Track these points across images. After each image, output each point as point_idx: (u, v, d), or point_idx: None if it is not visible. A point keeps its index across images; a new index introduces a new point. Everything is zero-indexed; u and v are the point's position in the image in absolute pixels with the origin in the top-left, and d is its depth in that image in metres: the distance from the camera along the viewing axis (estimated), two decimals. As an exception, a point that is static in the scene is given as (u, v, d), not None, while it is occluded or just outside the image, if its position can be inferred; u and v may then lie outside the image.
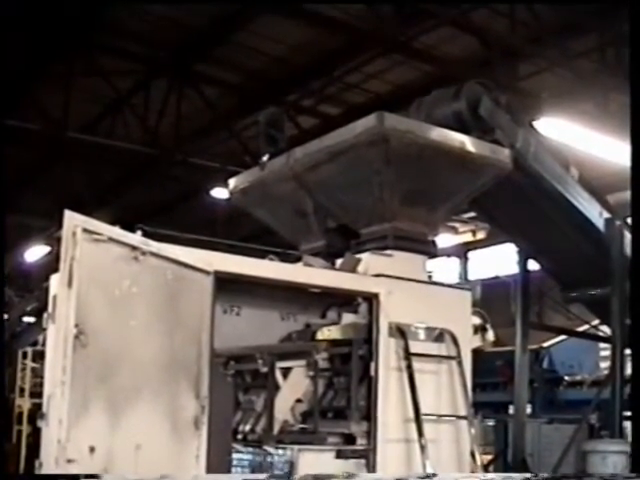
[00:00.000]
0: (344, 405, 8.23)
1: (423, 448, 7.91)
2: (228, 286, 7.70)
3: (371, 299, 8.13)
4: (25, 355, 17.63)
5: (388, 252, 8.50)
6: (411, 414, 8.05)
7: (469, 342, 8.82)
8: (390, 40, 15.36)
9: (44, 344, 6.22)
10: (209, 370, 7.09)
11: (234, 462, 7.98)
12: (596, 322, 14.56)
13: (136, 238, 6.48)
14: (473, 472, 8.53)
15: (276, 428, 8.17)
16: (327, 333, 8.27)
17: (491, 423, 18.42)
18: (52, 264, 6.20)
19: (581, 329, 16.00)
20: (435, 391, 8.48)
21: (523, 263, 12.55)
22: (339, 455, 7.90)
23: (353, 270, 8.39)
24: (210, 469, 6.99)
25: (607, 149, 17.53)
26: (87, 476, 5.61)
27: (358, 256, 8.53)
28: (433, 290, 8.72)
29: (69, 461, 5.68)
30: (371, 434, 8.02)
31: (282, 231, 10.08)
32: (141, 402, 6.38)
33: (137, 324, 6.41)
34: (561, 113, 15.93)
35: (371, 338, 8.08)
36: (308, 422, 8.23)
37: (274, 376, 8.21)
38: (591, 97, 17.13)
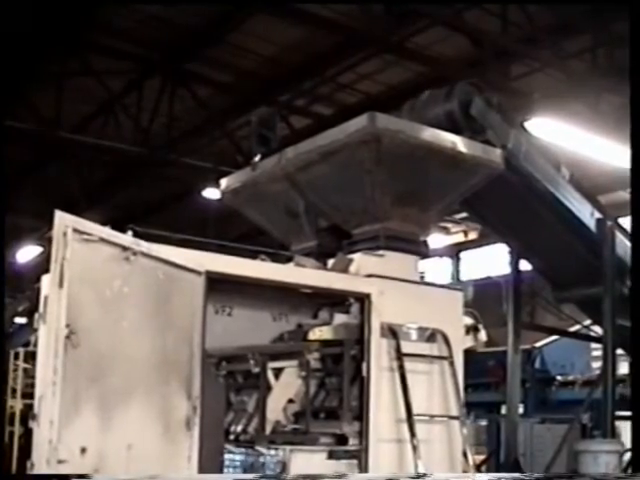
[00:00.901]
0: (336, 405, 8.23)
1: (415, 448, 7.91)
2: (220, 286, 7.69)
3: (363, 299, 8.13)
4: (17, 356, 17.61)
5: (380, 252, 8.49)
6: (403, 414, 8.05)
7: (461, 342, 8.83)
8: (382, 40, 15.38)
9: (36, 345, 6.20)
10: (201, 370, 7.07)
11: (226, 462, 7.98)
12: (588, 322, 14.57)
13: (127, 238, 6.48)
14: (465, 472, 8.55)
15: (268, 428, 8.18)
16: (319, 333, 8.26)
17: (484, 423, 18.47)
18: (43, 264, 6.18)
19: (573, 329, 16.02)
20: (427, 391, 8.49)
21: (515, 263, 12.56)
22: (331, 455, 7.89)
23: (345, 270, 8.39)
24: (202, 470, 6.98)
25: (599, 150, 17.57)
26: (79, 476, 5.62)
27: (350, 256, 8.53)
28: (425, 290, 8.73)
29: (60, 462, 5.67)
30: (363, 434, 8.01)
31: (273, 231, 10.07)
32: (132, 402, 6.37)
33: (128, 324, 6.40)
34: (553, 113, 15.95)
35: (363, 338, 8.08)
36: (300, 422, 8.23)
37: (266, 376, 8.22)
38: (583, 98, 17.17)
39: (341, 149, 8.32)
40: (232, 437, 8.41)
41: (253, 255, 8.45)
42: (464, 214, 17.39)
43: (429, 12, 14.45)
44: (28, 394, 16.48)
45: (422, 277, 9.14)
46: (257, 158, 9.51)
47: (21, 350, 17.36)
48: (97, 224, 6.25)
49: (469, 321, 9.26)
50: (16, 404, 17.26)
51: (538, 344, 17.52)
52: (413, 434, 7.96)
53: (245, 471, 7.95)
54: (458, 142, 8.70)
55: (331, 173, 8.58)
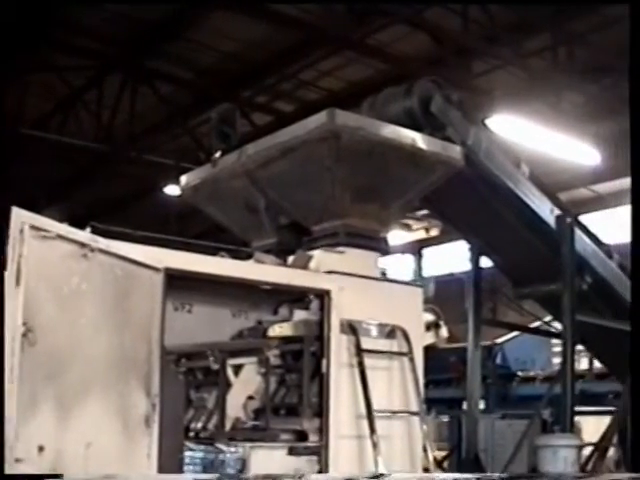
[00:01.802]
0: (296, 402, 8.22)
1: (375, 445, 7.92)
2: (179, 283, 7.65)
3: (323, 296, 8.13)
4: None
5: (340, 249, 8.50)
6: (363, 411, 8.06)
7: (421, 338, 8.85)
8: (344, 38, 15.40)
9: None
10: (160, 368, 7.03)
11: (186, 460, 7.94)
12: (548, 318, 14.66)
13: (85, 235, 6.43)
14: (426, 469, 8.57)
15: (228, 425, 8.18)
16: (278, 330, 8.26)
17: (445, 419, 18.54)
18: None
19: (534, 325, 16.12)
20: (387, 387, 8.50)
21: (475, 260, 12.62)
22: (291, 452, 7.89)
23: (305, 267, 8.39)
24: (162, 467, 6.94)
25: (560, 147, 17.71)
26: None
27: (310, 253, 8.53)
28: (385, 287, 8.73)
29: (17, 460, 5.61)
30: (323, 431, 8.01)
31: (234, 228, 10.05)
32: (91, 400, 6.33)
33: (86, 322, 6.35)
34: (514, 111, 16.05)
35: (323, 335, 8.08)
36: (260, 419, 8.23)
37: (225, 373, 8.21)
38: (543, 96, 17.29)
39: (301, 146, 8.32)
40: (192, 434, 8.38)
41: (214, 252, 8.44)
42: (426, 211, 17.44)
43: (390, 10, 14.49)
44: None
45: (384, 274, 9.12)
46: (217, 155, 9.50)
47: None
48: (57, 221, 6.20)
49: (430, 317, 9.29)
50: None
51: (499, 340, 17.62)
52: (373, 430, 7.97)
53: (205, 468, 7.92)
54: (418, 139, 8.72)
55: (291, 170, 8.57)
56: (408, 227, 27.37)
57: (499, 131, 13.20)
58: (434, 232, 27.38)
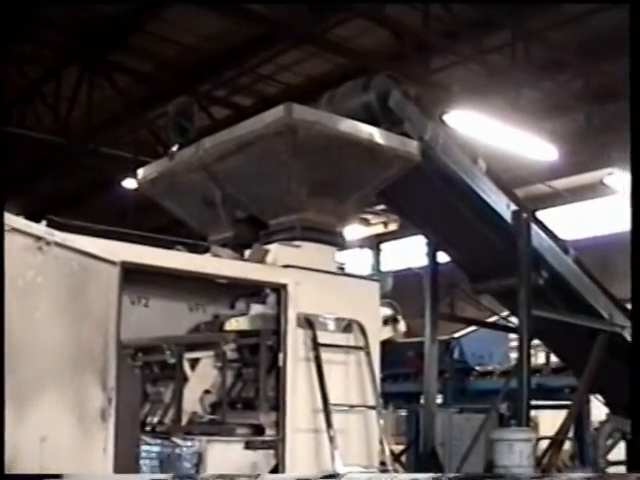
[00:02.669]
0: (253, 396, 8.22)
1: (332, 439, 7.93)
2: (136, 277, 7.62)
3: (279, 290, 8.13)
4: None
5: (296, 243, 8.51)
6: (320, 404, 8.07)
7: (378, 332, 8.87)
8: (304, 32, 15.40)
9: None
10: (116, 362, 6.99)
11: (142, 454, 7.91)
12: (506, 313, 14.76)
13: (40, 228, 6.38)
14: (383, 462, 8.60)
15: (184, 419, 8.13)
16: (235, 324, 8.26)
17: (403, 413, 18.62)
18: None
19: (491, 320, 16.22)
20: (344, 382, 8.51)
21: (432, 254, 12.68)
22: (248, 446, 7.89)
23: (261, 261, 8.38)
24: (118, 461, 6.90)
25: (517, 143, 17.83)
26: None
27: (266, 247, 8.52)
28: (341, 281, 8.75)
29: (-28, 454, 5.58)
30: (280, 425, 8.01)
31: (191, 222, 10.03)
32: (46, 394, 6.27)
33: (42, 315, 6.30)
34: (472, 107, 16.15)
35: (279, 329, 8.08)
36: (217, 413, 8.20)
37: (182, 367, 8.16)
38: (502, 92, 17.41)
39: (258, 140, 8.31)
40: (148, 428, 8.35)
41: (171, 246, 8.42)
42: (384, 206, 17.51)
43: (351, 5, 14.52)
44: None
45: (342, 268, 9.14)
46: (174, 148, 9.47)
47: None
48: (13, 215, 6.16)
49: (388, 312, 9.31)
50: None
51: (457, 335, 17.70)
52: (330, 424, 7.98)
53: (161, 463, 7.90)
54: (375, 133, 8.73)
55: (248, 164, 8.56)
56: (366, 222, 27.51)
57: (457, 127, 13.29)
58: (392, 227, 27.55)
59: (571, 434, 14.53)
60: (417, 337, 13.36)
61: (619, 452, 12.79)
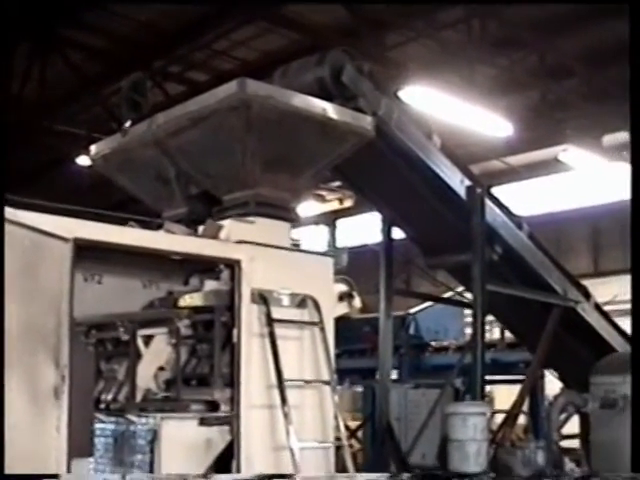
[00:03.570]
0: (207, 372, 8.19)
1: (286, 414, 7.94)
2: (89, 254, 7.56)
3: (233, 266, 8.09)
4: None
5: (250, 219, 8.47)
6: (274, 380, 8.07)
7: (332, 308, 8.87)
8: (258, 7, 15.33)
9: None
10: (69, 339, 6.95)
11: (97, 432, 7.90)
12: (461, 288, 14.85)
13: (-9, 205, 6.33)
14: (338, 438, 8.63)
15: (139, 397, 8.11)
16: (189, 300, 8.20)
17: (359, 389, 18.70)
18: None
19: (446, 295, 16.32)
20: (298, 357, 8.50)
21: (386, 230, 12.68)
22: (202, 422, 7.86)
23: (215, 237, 8.34)
24: (72, 439, 6.88)
25: (472, 119, 17.90)
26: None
27: (220, 223, 8.49)
28: (295, 257, 8.72)
29: None
30: (234, 401, 7.99)
31: (145, 198, 9.96)
32: (-2, 372, 6.25)
33: (-8, 292, 6.26)
34: (427, 83, 16.18)
35: (233, 305, 8.05)
36: (171, 390, 8.18)
37: (136, 344, 8.13)
38: (457, 68, 17.46)
39: (211, 115, 8.25)
40: (102, 406, 8.31)
41: (125, 223, 8.36)
42: (339, 182, 17.53)
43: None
44: None
45: (297, 244, 9.12)
46: (128, 124, 9.40)
47: None
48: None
49: (343, 288, 9.31)
50: None
51: (412, 310, 17.77)
52: (284, 400, 7.98)
53: (116, 440, 7.89)
54: (329, 109, 8.69)
55: (201, 139, 8.51)
56: (322, 198, 27.54)
57: (412, 103, 13.31)
58: (348, 203, 27.60)
59: (526, 408, 14.68)
60: (373, 313, 13.37)
61: (573, 425, 12.92)
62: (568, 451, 11.29)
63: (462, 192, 11.16)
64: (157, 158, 9.08)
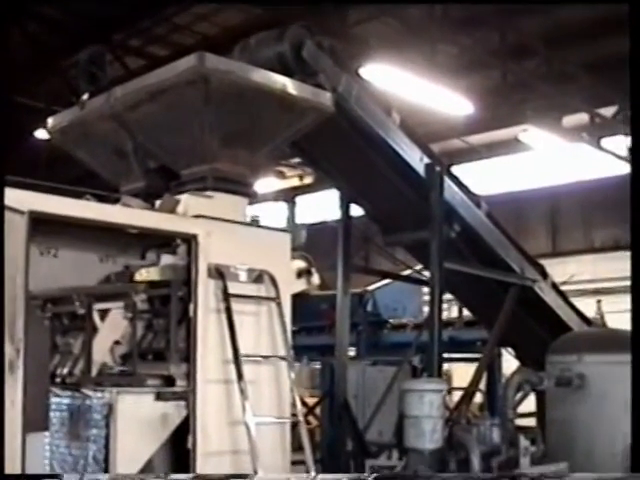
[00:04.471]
0: (163, 347, 8.16)
1: (242, 390, 7.94)
2: (45, 227, 7.51)
3: (190, 240, 8.06)
4: None
5: (208, 193, 8.44)
6: (231, 355, 8.07)
7: (289, 284, 8.87)
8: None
9: None
10: (24, 313, 6.91)
11: (52, 406, 7.86)
12: (419, 266, 14.89)
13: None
14: (294, 414, 8.65)
15: (94, 371, 8.06)
16: (145, 274, 8.17)
17: (318, 366, 18.73)
18: None
19: (405, 273, 16.36)
20: (255, 333, 8.49)
21: (345, 207, 12.67)
22: (158, 397, 7.83)
23: (172, 211, 8.30)
24: (27, 414, 6.85)
25: (433, 98, 17.93)
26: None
27: (177, 197, 8.45)
28: (253, 232, 8.68)
29: None
30: (190, 376, 7.98)
31: (102, 172, 9.89)
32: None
33: (-55, 265, 6.21)
34: (389, 61, 16.17)
35: (190, 279, 8.03)
36: (127, 364, 8.14)
37: (92, 318, 8.07)
38: (419, 47, 17.47)
39: (169, 89, 8.21)
40: (58, 380, 8.26)
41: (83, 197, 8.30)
42: (300, 159, 17.50)
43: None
44: None
45: (256, 220, 9.10)
46: (85, 97, 9.33)
47: None
48: None
49: (302, 264, 9.31)
50: None
51: (370, 288, 17.81)
52: (240, 375, 7.97)
53: (72, 414, 7.85)
54: (288, 84, 8.68)
55: (160, 113, 8.46)
56: (282, 175, 27.50)
57: (374, 80, 13.30)
58: (308, 180, 27.61)
59: (483, 386, 14.79)
60: (331, 290, 13.39)
61: (530, 404, 13.06)
62: (524, 429, 11.36)
63: (421, 170, 11.17)
64: (115, 132, 9.02)
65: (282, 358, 8.59)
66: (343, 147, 10.69)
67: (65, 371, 8.31)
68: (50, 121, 9.94)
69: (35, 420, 7.15)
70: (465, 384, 13.22)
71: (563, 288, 14.53)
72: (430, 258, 11.42)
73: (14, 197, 6.93)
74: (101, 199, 8.43)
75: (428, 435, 9.67)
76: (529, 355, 13.64)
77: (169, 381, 8.02)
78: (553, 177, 27.00)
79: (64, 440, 7.86)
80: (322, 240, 12.37)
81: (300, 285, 9.29)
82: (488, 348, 13.28)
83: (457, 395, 13.86)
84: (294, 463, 8.76)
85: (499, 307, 12.50)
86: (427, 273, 13.02)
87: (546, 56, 19.23)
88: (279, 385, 8.66)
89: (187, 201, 8.36)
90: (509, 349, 15.21)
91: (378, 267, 17.68)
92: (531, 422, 13.56)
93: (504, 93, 19.96)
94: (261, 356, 8.46)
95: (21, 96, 18.94)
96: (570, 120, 21.65)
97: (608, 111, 21.67)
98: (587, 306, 16.65)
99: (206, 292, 8.06)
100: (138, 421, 7.67)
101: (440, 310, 11.58)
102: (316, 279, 9.47)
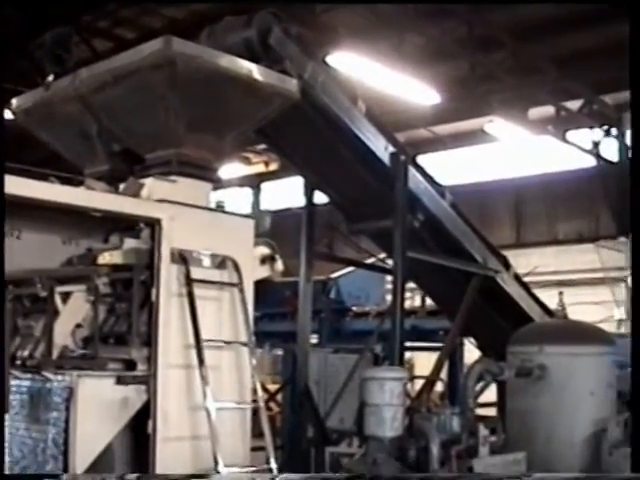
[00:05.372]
0: (125, 331, 8.16)
1: (203, 375, 7.96)
2: (8, 209, 7.46)
3: (153, 224, 8.05)
4: None
5: (172, 178, 8.43)
6: (192, 340, 8.08)
7: (252, 270, 8.88)
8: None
9: None
10: (-15, 294, 6.89)
11: (12, 389, 7.83)
12: (383, 255, 14.93)
13: None
14: (254, 401, 8.66)
15: (55, 354, 8.04)
16: (108, 258, 8.15)
17: (280, 353, 18.74)
18: None
19: (369, 261, 16.39)
20: (216, 318, 8.50)
21: (309, 194, 12.67)
22: (119, 381, 7.82)
23: (136, 195, 8.28)
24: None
25: (400, 87, 17.98)
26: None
27: (141, 181, 8.43)
28: (216, 217, 8.69)
29: None
30: (152, 360, 7.98)
31: (67, 154, 9.85)
32: None
33: None
34: (356, 49, 16.19)
35: (153, 264, 8.02)
36: (89, 348, 8.12)
37: (53, 301, 8.05)
38: (386, 36, 17.49)
39: (135, 72, 8.19)
40: (19, 362, 8.24)
41: (47, 179, 8.26)
42: (265, 145, 17.50)
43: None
44: None
45: (221, 206, 9.09)
46: (51, 78, 9.28)
47: None
48: None
49: (266, 251, 9.32)
50: None
51: (334, 275, 17.83)
52: (202, 360, 8.00)
53: (32, 397, 7.83)
54: (254, 70, 8.69)
55: (125, 96, 8.43)
56: (247, 161, 27.44)
57: (341, 68, 13.30)
58: (273, 166, 27.56)
59: (445, 376, 14.86)
60: (295, 277, 13.39)
61: (490, 394, 13.15)
62: (485, 418, 11.43)
63: (386, 159, 11.19)
64: (80, 114, 8.98)
65: (244, 344, 8.60)
66: (308, 134, 10.70)
67: (26, 354, 8.29)
68: (14, 101, 9.88)
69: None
70: (427, 373, 13.28)
71: (526, 279, 14.63)
72: (394, 247, 11.46)
73: (-24, 179, 6.89)
74: (65, 181, 8.39)
75: (388, 423, 9.70)
76: (491, 345, 13.72)
77: (130, 365, 8.01)
78: (518, 169, 27.16)
79: (24, 423, 7.83)
80: (286, 227, 12.38)
81: (263, 271, 9.31)
82: (450, 337, 13.36)
83: (419, 384, 13.88)
84: (254, 449, 8.77)
85: (462, 297, 12.56)
86: (390, 262, 13.05)
87: (513, 48, 19.32)
88: (240, 371, 8.67)
89: (151, 185, 8.35)
90: (471, 339, 15.29)
91: (342, 255, 17.70)
92: (492, 412, 13.65)
93: (471, 84, 20.03)
94: (223, 341, 8.47)
95: (-14, 76, 18.80)
96: (536, 112, 21.77)
97: (574, 104, 21.82)
98: (549, 298, 16.79)
99: (169, 277, 8.05)
100: (98, 405, 7.67)
101: (403, 299, 11.64)
102: (280, 266, 9.49)
